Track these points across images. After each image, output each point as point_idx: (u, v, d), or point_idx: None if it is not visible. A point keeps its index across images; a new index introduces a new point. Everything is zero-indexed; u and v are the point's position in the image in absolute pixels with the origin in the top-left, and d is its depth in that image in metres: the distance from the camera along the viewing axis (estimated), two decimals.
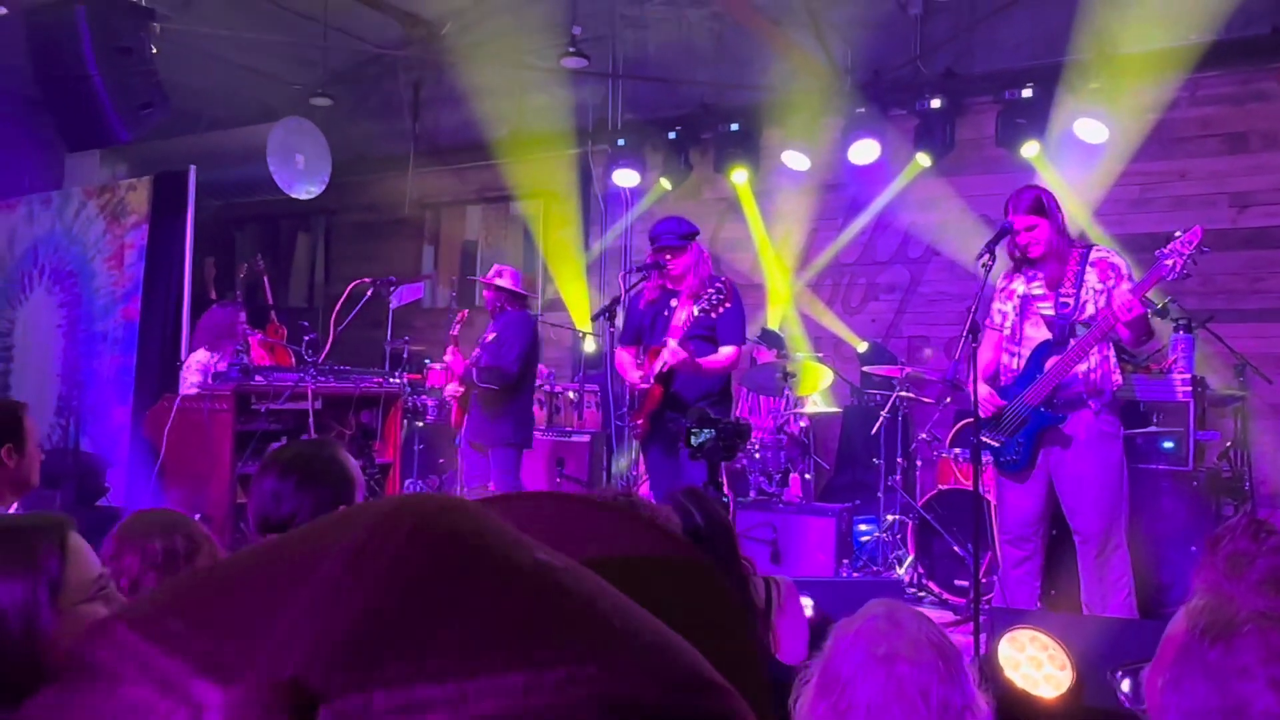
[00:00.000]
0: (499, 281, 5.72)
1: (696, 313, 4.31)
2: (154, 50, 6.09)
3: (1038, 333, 3.95)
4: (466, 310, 6.63)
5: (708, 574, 0.41)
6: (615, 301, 4.57)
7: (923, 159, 7.04)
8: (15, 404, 2.45)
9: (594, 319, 5.04)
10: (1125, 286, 3.73)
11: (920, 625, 1.40)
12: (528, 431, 5.76)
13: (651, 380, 4.44)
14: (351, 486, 1.95)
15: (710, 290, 4.30)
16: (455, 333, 6.06)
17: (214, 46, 7.78)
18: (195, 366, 5.99)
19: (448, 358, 5.91)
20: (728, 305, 4.32)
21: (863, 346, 7.33)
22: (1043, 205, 3.83)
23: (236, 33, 7.67)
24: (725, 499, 5.22)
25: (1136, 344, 3.86)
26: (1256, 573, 1.42)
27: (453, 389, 5.98)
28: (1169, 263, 3.54)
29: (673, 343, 4.35)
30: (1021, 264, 4.00)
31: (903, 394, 5.66)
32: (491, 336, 5.70)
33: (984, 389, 3.85)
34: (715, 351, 4.50)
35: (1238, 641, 1.08)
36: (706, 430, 3.73)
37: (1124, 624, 3.42)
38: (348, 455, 1.98)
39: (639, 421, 4.58)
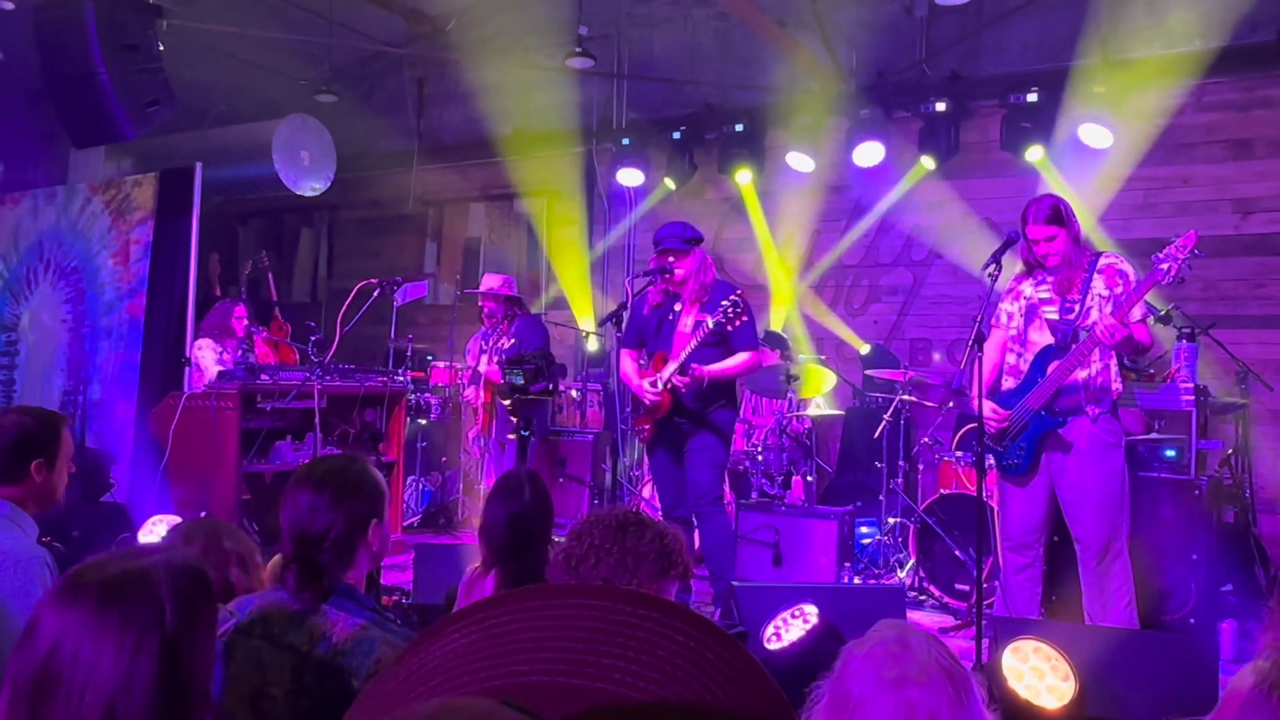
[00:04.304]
0: (506, 291, 5.92)
1: (711, 325, 4.33)
2: (161, 47, 6.09)
3: (1041, 337, 3.97)
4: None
5: None
6: (622, 306, 4.60)
7: (927, 162, 7.05)
8: (56, 418, 2.41)
9: (601, 324, 5.07)
10: (1109, 309, 3.75)
11: (930, 649, 1.42)
12: (546, 424, 6.32)
13: (660, 392, 4.47)
14: (383, 500, 2.00)
15: (726, 304, 4.31)
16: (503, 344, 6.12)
17: (219, 42, 7.78)
18: (207, 348, 6.08)
19: (484, 368, 6.03)
20: (745, 319, 4.34)
21: (865, 349, 7.35)
22: (1061, 214, 3.84)
23: (242, 29, 7.67)
24: (726, 501, 5.24)
25: (1132, 358, 3.88)
26: None
27: (475, 393, 6.16)
28: (1164, 267, 3.55)
29: (672, 366, 4.39)
30: (1032, 268, 4.01)
31: (905, 397, 5.67)
32: (511, 342, 5.82)
33: (987, 406, 3.86)
34: (724, 358, 4.52)
35: None
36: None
37: (1127, 635, 3.44)
38: (374, 468, 2.02)
39: (645, 426, 4.60)
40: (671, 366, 4.40)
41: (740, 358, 4.52)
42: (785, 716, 0.41)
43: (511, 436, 5.93)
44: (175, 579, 1.30)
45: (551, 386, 5.18)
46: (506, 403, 5.84)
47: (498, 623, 0.41)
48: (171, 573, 1.31)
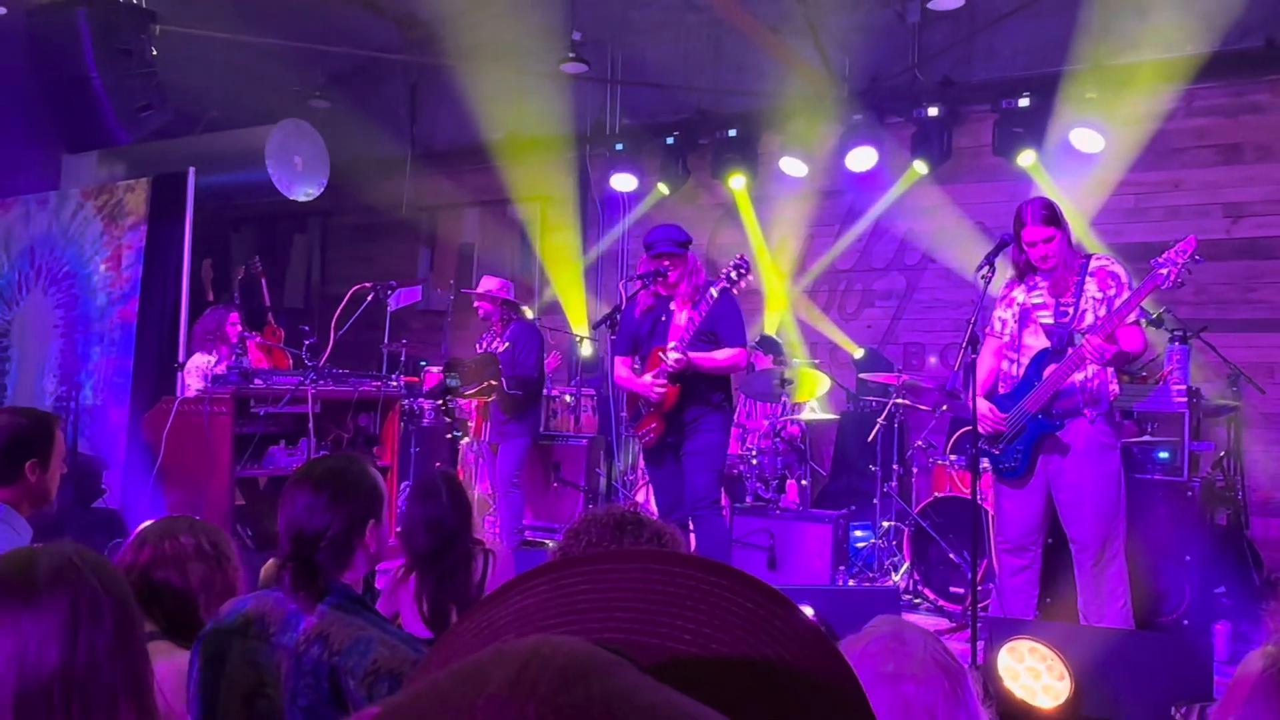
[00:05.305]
0: (502, 294, 5.94)
1: (716, 294, 4.35)
2: (154, 52, 6.08)
3: (1036, 341, 3.98)
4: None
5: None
6: (616, 309, 4.60)
7: (920, 166, 7.08)
8: (49, 417, 2.41)
9: (595, 327, 5.08)
10: (1103, 312, 3.76)
11: (926, 644, 1.42)
12: (538, 428, 6.31)
13: (665, 384, 4.47)
14: (381, 501, 1.99)
15: (729, 267, 4.37)
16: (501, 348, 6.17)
17: (213, 48, 7.76)
18: (195, 373, 6.05)
19: None
20: (749, 278, 4.39)
21: (859, 353, 7.36)
22: (1057, 216, 3.87)
23: (236, 35, 7.66)
24: (722, 506, 5.24)
25: (1124, 368, 3.91)
26: None
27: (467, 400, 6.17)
28: (1163, 272, 3.58)
29: (675, 355, 4.38)
30: (1025, 272, 4.02)
31: (899, 401, 5.68)
32: (505, 346, 5.83)
33: (983, 405, 3.87)
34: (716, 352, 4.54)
35: None
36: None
37: (1122, 635, 3.45)
38: (374, 469, 2.02)
39: (652, 425, 4.59)
40: (674, 355, 4.40)
41: (727, 352, 4.53)
42: (849, 678, 0.43)
43: (448, 436, 5.99)
44: (86, 560, 1.32)
45: (483, 387, 5.25)
46: (439, 402, 5.89)
47: (569, 583, 0.42)
48: (80, 555, 1.33)
